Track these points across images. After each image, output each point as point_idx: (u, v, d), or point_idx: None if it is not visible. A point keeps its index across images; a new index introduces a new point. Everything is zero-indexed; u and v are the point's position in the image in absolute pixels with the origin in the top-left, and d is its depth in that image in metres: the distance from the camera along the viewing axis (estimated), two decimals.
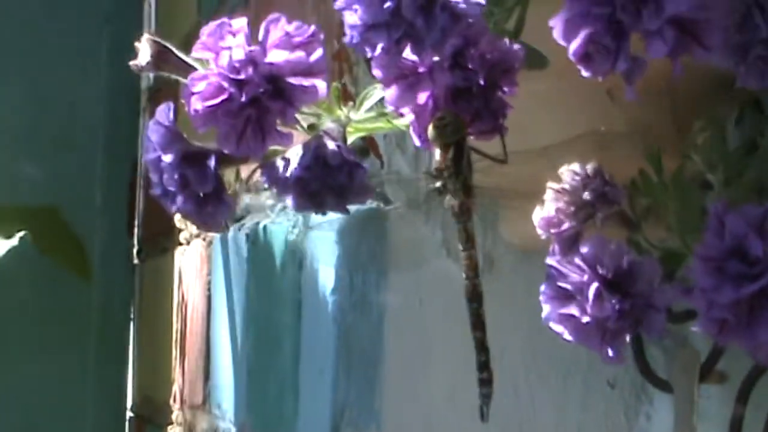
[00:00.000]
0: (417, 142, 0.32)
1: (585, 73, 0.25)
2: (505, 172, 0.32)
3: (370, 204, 0.58)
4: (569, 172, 0.30)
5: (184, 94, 0.30)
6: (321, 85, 0.31)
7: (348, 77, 0.58)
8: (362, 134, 0.35)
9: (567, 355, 0.42)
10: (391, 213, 0.36)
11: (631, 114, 0.32)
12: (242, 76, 0.30)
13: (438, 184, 0.32)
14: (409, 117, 0.31)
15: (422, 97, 0.31)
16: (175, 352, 0.91)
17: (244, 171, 0.63)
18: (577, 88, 0.28)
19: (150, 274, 1.09)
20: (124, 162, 1.14)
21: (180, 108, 0.32)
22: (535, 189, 0.31)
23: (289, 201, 0.32)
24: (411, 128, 0.32)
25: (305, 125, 0.33)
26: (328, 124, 0.34)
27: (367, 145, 0.56)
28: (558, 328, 0.29)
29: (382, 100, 0.33)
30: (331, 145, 0.31)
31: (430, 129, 0.31)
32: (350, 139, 0.35)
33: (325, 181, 0.31)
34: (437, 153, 0.32)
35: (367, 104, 0.34)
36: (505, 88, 0.31)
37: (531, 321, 0.47)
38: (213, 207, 0.33)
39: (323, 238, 0.56)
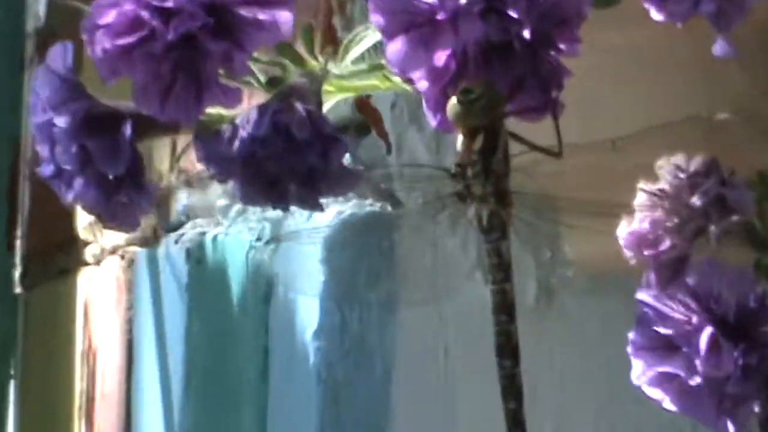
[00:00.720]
0: (432, 122, 0.32)
1: (657, 16, 0.26)
2: (561, 172, 0.32)
3: (372, 205, 0.60)
4: (671, 166, 0.30)
5: (87, 28, 0.30)
6: (285, 18, 0.30)
7: (338, 18, 0.59)
8: (346, 95, 0.36)
9: (660, 427, 0.43)
10: (403, 219, 0.37)
11: (746, 86, 0.33)
12: (170, 4, 0.30)
13: (460, 185, 0.33)
14: (421, 84, 0.32)
15: (441, 56, 0.31)
16: (79, 422, 0.92)
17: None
18: (670, 43, 0.29)
19: (40, 308, 1.10)
20: (2, 140, 1.14)
21: (83, 51, 0.32)
22: (605, 198, 0.31)
23: (235, 190, 0.32)
24: (424, 102, 0.32)
25: (262, 79, 0.34)
26: (296, 79, 0.34)
27: (366, 118, 0.57)
28: (654, 392, 0.30)
29: (376, 46, 0.34)
30: (298, 109, 0.32)
31: (452, 105, 0.32)
32: (329, 103, 0.35)
33: (288, 161, 0.31)
34: (460, 140, 0.32)
35: (355, 52, 0.35)
36: (562, 46, 0.31)
37: (606, 376, 0.48)
38: (127, 195, 0.33)
39: (302, 255, 0.57)
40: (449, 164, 0.33)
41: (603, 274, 0.45)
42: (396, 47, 0.30)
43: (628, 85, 0.41)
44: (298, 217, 0.61)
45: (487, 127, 0.32)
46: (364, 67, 0.35)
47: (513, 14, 0.29)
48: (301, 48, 0.35)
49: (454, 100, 0.31)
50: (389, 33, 0.30)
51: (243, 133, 0.31)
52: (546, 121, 0.32)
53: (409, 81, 0.32)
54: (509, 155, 0.32)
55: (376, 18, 0.30)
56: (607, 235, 0.32)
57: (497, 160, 0.32)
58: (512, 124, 0.33)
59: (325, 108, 0.35)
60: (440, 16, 0.30)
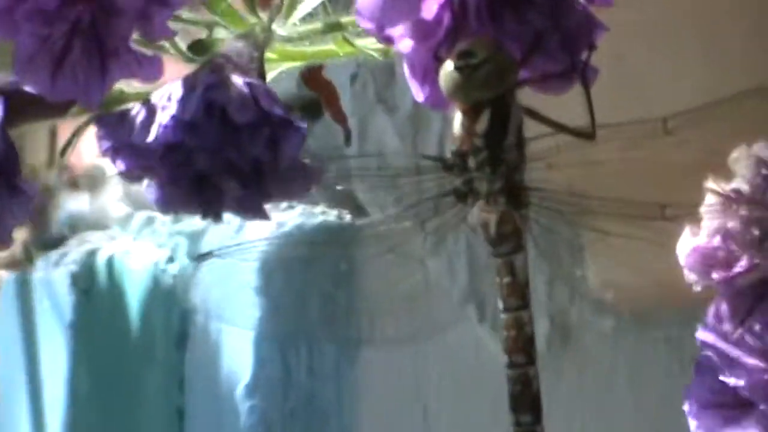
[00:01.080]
0: (418, 96, 0.33)
1: None
2: (595, 162, 0.33)
3: (325, 213, 0.59)
4: (751, 158, 0.30)
5: None
6: None
7: None
8: (292, 65, 0.37)
9: None
10: (367, 233, 0.37)
11: None
12: None
13: (459, 180, 0.33)
14: (403, 44, 0.32)
15: (431, 5, 0.32)
16: None
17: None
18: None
19: None
20: None
21: None
22: (656, 195, 0.32)
23: (149, 193, 0.33)
24: (407, 69, 0.32)
25: (185, 45, 0.35)
26: (231, 43, 0.34)
27: (317, 95, 0.56)
28: None
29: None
30: (236, 83, 0.32)
31: (446, 72, 0.32)
32: (269, 75, 0.36)
33: (225, 153, 0.32)
34: (458, 120, 0.33)
35: (305, 7, 0.35)
36: None
37: None
38: None
39: (230, 280, 0.56)
40: (432, 161, 0.34)
41: (636, 305, 0.45)
42: None
43: (672, 48, 0.41)
44: (224, 229, 0.61)
45: (495, 102, 0.32)
46: (317, 26, 0.36)
47: None
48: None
49: (449, 65, 0.32)
50: None
51: (164, 115, 0.32)
52: (573, 94, 0.32)
53: (388, 40, 0.32)
54: (524, 139, 0.33)
55: None
56: (655, 245, 0.32)
57: (508, 145, 0.32)
58: (527, 96, 0.33)
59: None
60: None
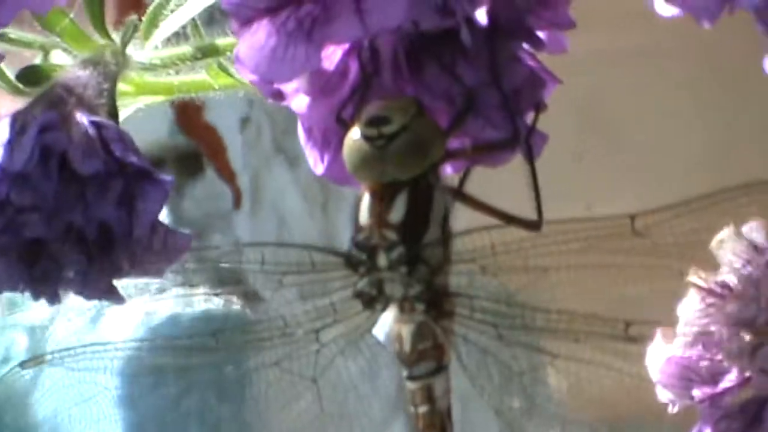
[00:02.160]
0: (316, 167, 0.34)
1: (665, 11, 0.29)
2: (541, 268, 0.33)
3: (208, 301, 0.58)
4: (740, 242, 0.31)
5: None
6: None
7: None
8: (152, 100, 0.38)
9: None
10: (264, 335, 0.38)
11: None
12: None
13: (365, 281, 0.34)
14: (297, 102, 0.33)
15: (334, 55, 0.32)
16: None
17: None
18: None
19: None
20: None
21: None
22: (619, 311, 0.32)
23: None
24: (303, 134, 0.34)
25: (13, 74, 0.36)
26: (74, 71, 0.35)
27: (198, 145, 0.56)
28: None
29: (209, 16, 0.36)
30: (80, 123, 0.33)
31: (352, 142, 0.33)
32: (126, 111, 0.37)
33: (64, 213, 0.33)
34: (366, 204, 0.34)
35: (168, 27, 0.36)
36: (541, 35, 0.32)
37: None
38: None
39: (82, 393, 0.55)
40: (345, 239, 0.35)
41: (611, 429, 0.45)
42: (254, 39, 0.31)
43: (654, 108, 0.42)
44: (75, 320, 0.60)
45: (414, 183, 0.32)
46: (185, 50, 0.36)
47: None
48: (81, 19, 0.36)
49: (356, 133, 0.32)
50: (243, 15, 0.31)
51: None
52: (514, 168, 0.32)
53: (277, 97, 0.33)
54: (450, 232, 0.33)
55: None
56: (616, 371, 0.33)
57: (430, 239, 0.33)
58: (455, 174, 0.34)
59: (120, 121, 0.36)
60: None
